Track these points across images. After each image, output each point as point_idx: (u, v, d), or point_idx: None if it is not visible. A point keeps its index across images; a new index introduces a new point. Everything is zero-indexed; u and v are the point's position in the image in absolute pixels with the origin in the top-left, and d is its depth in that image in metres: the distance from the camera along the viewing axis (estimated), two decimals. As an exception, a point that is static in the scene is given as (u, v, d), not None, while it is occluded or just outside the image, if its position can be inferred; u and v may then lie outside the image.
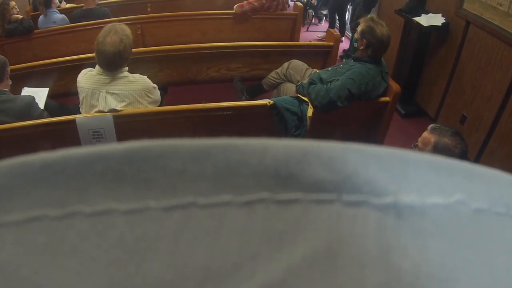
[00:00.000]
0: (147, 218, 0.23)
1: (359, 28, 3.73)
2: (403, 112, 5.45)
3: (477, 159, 4.58)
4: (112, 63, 3.21)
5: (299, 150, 0.26)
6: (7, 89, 3.46)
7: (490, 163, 4.30)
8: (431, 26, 4.88)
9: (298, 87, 3.89)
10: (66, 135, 3.35)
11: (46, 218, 0.23)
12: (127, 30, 3.27)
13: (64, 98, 4.23)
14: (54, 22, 5.66)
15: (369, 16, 3.84)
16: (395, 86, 3.80)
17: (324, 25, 8.77)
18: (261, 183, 0.24)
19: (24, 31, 5.42)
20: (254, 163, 0.25)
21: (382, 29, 3.62)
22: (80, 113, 3.43)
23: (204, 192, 0.24)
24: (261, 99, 4.04)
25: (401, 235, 0.24)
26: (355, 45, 3.86)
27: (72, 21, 5.68)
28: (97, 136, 3.38)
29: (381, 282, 0.22)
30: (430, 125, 2.80)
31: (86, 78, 3.32)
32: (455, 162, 0.28)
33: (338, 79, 3.64)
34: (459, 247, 0.24)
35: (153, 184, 0.24)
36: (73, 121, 3.31)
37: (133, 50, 3.41)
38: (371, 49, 3.65)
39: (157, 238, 0.22)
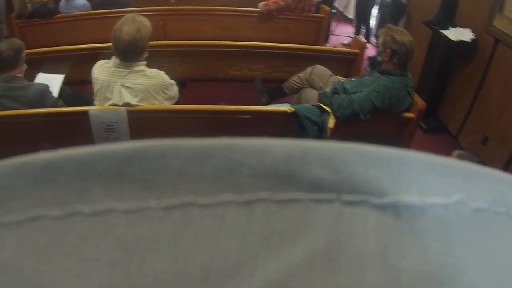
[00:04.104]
0: (147, 218, 0.23)
1: (380, 40, 3.66)
2: (424, 126, 5.34)
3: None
4: (128, 52, 3.15)
5: (299, 150, 0.26)
6: (21, 75, 3.43)
7: None
8: (459, 41, 4.78)
9: (321, 95, 3.82)
10: (79, 126, 3.31)
11: (47, 218, 0.23)
12: (146, 21, 3.22)
13: (81, 86, 4.21)
14: (76, 8, 5.67)
15: (386, 26, 3.75)
16: (420, 103, 3.70)
17: (349, 29, 8.69)
18: (261, 183, 0.25)
19: (48, 13, 5.45)
20: (254, 163, 0.25)
21: (402, 35, 3.55)
22: (94, 104, 3.38)
23: (204, 192, 0.24)
24: (281, 102, 3.99)
25: (401, 235, 0.24)
26: (379, 58, 3.77)
27: (94, 8, 5.69)
28: (109, 130, 3.35)
29: (380, 281, 0.22)
30: (456, 152, 2.74)
31: (102, 69, 3.27)
32: (454, 162, 0.29)
33: (362, 91, 3.55)
34: (458, 247, 0.24)
35: (154, 184, 0.24)
36: (86, 112, 3.26)
37: (154, 42, 3.42)
38: (396, 57, 3.55)
39: (158, 238, 0.23)
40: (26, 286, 0.21)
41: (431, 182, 0.27)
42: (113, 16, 4.85)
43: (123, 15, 3.24)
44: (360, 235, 0.23)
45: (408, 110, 3.72)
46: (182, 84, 3.78)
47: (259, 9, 5.71)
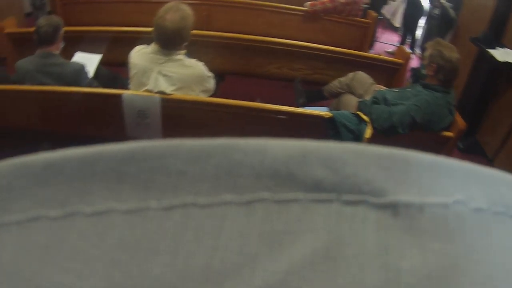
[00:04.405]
0: (147, 218, 0.23)
1: (427, 53, 3.59)
2: (460, 146, 5.25)
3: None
4: (169, 41, 3.14)
5: (299, 150, 0.26)
6: (57, 52, 3.47)
7: None
8: (505, 62, 4.68)
9: (360, 103, 3.76)
10: (111, 108, 3.33)
11: (47, 218, 0.23)
12: (190, 10, 3.21)
13: (117, 67, 4.25)
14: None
15: (435, 39, 3.69)
16: (460, 122, 3.62)
17: (394, 37, 8.61)
18: (261, 183, 0.25)
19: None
20: (255, 163, 0.25)
21: (451, 51, 3.47)
22: (128, 88, 3.39)
23: (204, 192, 0.24)
24: (318, 105, 3.92)
25: (400, 234, 0.24)
26: (423, 71, 3.70)
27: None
28: (142, 115, 3.35)
29: (380, 281, 0.22)
30: None
31: (140, 55, 3.25)
32: (454, 162, 0.29)
33: (403, 104, 3.49)
34: (458, 247, 0.24)
35: (154, 184, 0.24)
36: (120, 96, 3.26)
37: (197, 32, 3.41)
38: (442, 73, 3.47)
39: (158, 238, 0.23)
40: (26, 286, 0.21)
41: (430, 181, 0.27)
42: (157, 1, 4.84)
43: (167, 2, 3.23)
44: (359, 235, 0.24)
45: (447, 128, 3.64)
46: (220, 76, 3.80)
47: (306, 9, 5.68)
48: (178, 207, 0.24)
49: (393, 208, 0.25)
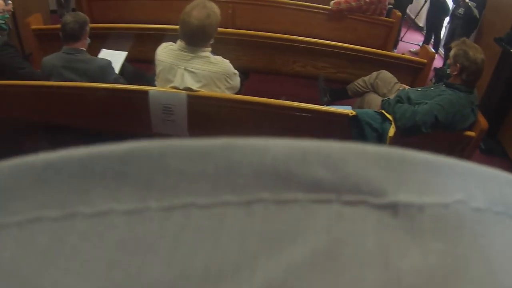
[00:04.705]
0: (147, 219, 0.23)
1: (452, 52, 3.59)
2: (482, 146, 5.22)
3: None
4: (195, 37, 3.17)
5: (299, 149, 0.26)
6: (84, 48, 3.52)
7: None
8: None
9: (384, 102, 3.78)
10: (137, 104, 3.38)
11: (47, 219, 0.23)
12: (216, 8, 3.24)
13: (143, 64, 4.29)
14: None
15: (461, 39, 3.69)
16: (483, 122, 3.64)
17: (418, 37, 8.57)
18: (261, 183, 0.24)
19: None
20: (254, 163, 0.25)
21: (476, 52, 3.48)
22: (154, 85, 3.43)
23: (204, 192, 0.24)
24: (342, 104, 3.92)
25: (400, 235, 0.23)
26: (448, 70, 3.69)
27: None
28: (167, 112, 3.40)
29: (380, 282, 0.22)
30: None
31: (166, 52, 3.29)
32: (454, 161, 0.28)
33: (426, 103, 3.50)
34: (458, 247, 0.24)
35: (154, 185, 0.24)
36: (146, 92, 3.31)
37: (222, 30, 3.45)
38: (466, 73, 3.48)
39: (157, 239, 0.22)
40: (26, 287, 0.21)
41: (430, 181, 0.26)
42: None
43: (192, 0, 3.26)
44: (360, 235, 0.23)
45: (469, 128, 3.66)
46: (245, 74, 3.83)
47: (330, 7, 5.68)
48: (177, 207, 0.23)
49: (393, 208, 0.24)
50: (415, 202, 0.25)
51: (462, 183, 0.27)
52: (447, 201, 0.25)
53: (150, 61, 3.49)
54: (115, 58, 3.88)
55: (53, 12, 6.71)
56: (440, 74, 4.53)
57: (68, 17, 3.49)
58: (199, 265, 0.22)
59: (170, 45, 3.32)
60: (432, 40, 7.88)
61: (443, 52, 7.40)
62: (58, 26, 3.68)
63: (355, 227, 0.23)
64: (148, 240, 0.22)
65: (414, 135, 3.47)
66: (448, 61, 3.68)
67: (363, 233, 0.23)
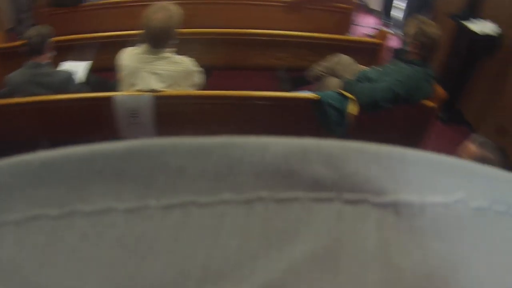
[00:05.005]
0: (146, 217, 0.23)
1: (410, 31, 3.69)
2: (444, 117, 5.32)
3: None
4: (158, 39, 3.22)
5: (299, 148, 0.26)
6: (47, 62, 3.52)
7: None
8: (484, 34, 4.77)
9: (345, 83, 3.86)
10: (104, 111, 3.37)
11: (46, 217, 0.23)
12: (177, 9, 3.29)
13: (107, 73, 4.24)
14: (102, -4, 5.70)
15: (417, 17, 3.81)
16: (441, 92, 3.77)
17: (373, 20, 8.64)
18: (261, 182, 0.25)
19: (72, 1, 5.49)
20: (254, 161, 0.25)
21: (432, 28, 3.59)
22: (119, 90, 3.45)
23: (204, 191, 0.24)
24: (303, 90, 3.99)
25: (401, 233, 0.24)
26: (406, 48, 3.80)
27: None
28: (134, 115, 3.41)
29: (381, 280, 0.22)
30: (476, 138, 2.77)
31: (130, 56, 3.33)
32: (455, 160, 0.28)
33: (385, 80, 3.61)
34: (459, 246, 0.24)
35: (153, 183, 0.24)
36: (111, 98, 3.34)
37: (181, 30, 3.45)
38: (424, 49, 3.60)
39: (157, 237, 0.22)
40: (25, 286, 0.21)
41: (431, 180, 0.26)
42: (138, 5, 4.93)
43: (149, 4, 3.30)
44: (360, 234, 0.23)
45: (428, 99, 3.76)
46: (208, 71, 3.85)
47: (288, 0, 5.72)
48: (177, 205, 0.24)
49: (394, 207, 0.25)
50: (416, 201, 0.25)
51: (463, 182, 0.27)
52: (447, 201, 0.25)
53: (113, 69, 3.52)
54: (78, 69, 3.89)
55: (10, 30, 6.66)
56: (398, 55, 4.62)
57: (31, 31, 3.49)
58: (198, 263, 0.22)
59: (134, 49, 3.35)
60: (387, 21, 7.97)
61: (398, 33, 7.48)
62: (18, 43, 3.67)
63: (356, 226, 0.24)
64: (148, 239, 0.22)
65: (375, 111, 3.58)
66: (407, 40, 3.78)
67: (364, 232, 0.24)
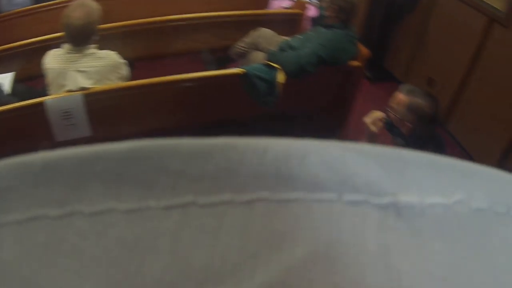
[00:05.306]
0: (147, 218, 0.23)
1: None
2: (371, 76, 5.44)
3: (446, 120, 4.66)
4: (80, 37, 3.20)
5: (299, 149, 0.26)
6: None
7: (460, 123, 4.49)
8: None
9: (269, 55, 3.92)
10: (36, 118, 3.32)
11: (46, 217, 0.23)
12: (95, 4, 3.28)
13: (33, 81, 4.19)
14: (17, 5, 5.55)
15: None
16: (364, 51, 3.86)
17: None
18: (261, 183, 0.24)
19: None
20: (255, 162, 0.25)
21: None
22: (48, 95, 3.39)
23: (204, 192, 0.24)
24: (229, 69, 4.04)
25: (401, 235, 0.24)
26: (324, 13, 3.89)
27: (35, 2, 5.57)
28: (67, 117, 3.35)
29: (381, 282, 0.22)
30: (404, 87, 2.86)
31: (54, 58, 3.29)
32: (455, 161, 0.28)
33: (308, 46, 3.68)
34: (459, 247, 0.24)
35: (153, 184, 0.24)
36: (42, 103, 3.27)
37: (101, 26, 3.43)
38: (343, 13, 3.68)
39: (157, 238, 0.22)
40: (25, 286, 0.21)
41: (431, 181, 0.26)
42: (56, 8, 4.84)
43: (66, 5, 3.28)
44: (361, 235, 0.23)
45: (353, 59, 3.86)
46: (130, 64, 3.80)
47: None
48: (177, 206, 0.23)
49: (394, 208, 0.25)
50: (416, 202, 0.25)
51: (463, 183, 0.27)
52: (447, 202, 0.26)
53: (40, 75, 3.48)
54: (3, 81, 3.82)
55: None
56: (317, 22, 4.70)
57: None
58: (199, 264, 0.22)
59: (57, 51, 3.31)
60: None
61: (315, 2, 7.55)
62: None
63: (356, 227, 0.24)
64: (148, 239, 0.22)
65: (302, 76, 3.66)
66: (324, 5, 3.86)
67: (364, 233, 0.23)
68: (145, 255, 0.22)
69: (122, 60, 3.48)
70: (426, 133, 2.85)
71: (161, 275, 0.21)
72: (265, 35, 4.38)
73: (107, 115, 3.47)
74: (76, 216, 0.23)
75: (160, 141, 0.26)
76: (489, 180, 0.28)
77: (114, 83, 3.41)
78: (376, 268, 0.22)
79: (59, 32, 3.30)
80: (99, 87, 3.34)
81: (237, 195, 0.24)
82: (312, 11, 5.04)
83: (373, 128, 2.96)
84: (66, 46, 3.26)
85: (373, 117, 2.98)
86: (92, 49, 3.29)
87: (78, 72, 3.27)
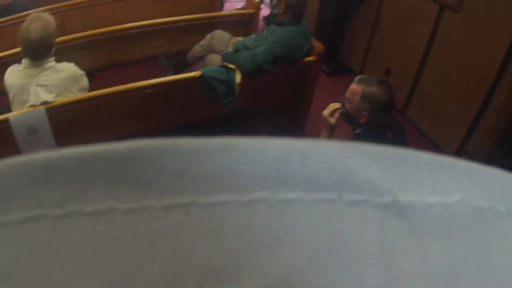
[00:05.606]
0: (147, 218, 0.23)
1: None
2: (328, 70, 5.55)
3: (405, 108, 4.78)
4: (38, 51, 3.20)
5: (300, 149, 0.26)
6: None
7: (417, 110, 4.61)
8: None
9: (224, 56, 4.00)
10: (1, 136, 3.28)
11: (46, 217, 0.23)
12: (50, 17, 3.28)
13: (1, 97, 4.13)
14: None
15: None
16: (318, 46, 3.94)
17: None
18: (261, 183, 0.24)
19: None
20: (255, 162, 0.25)
21: None
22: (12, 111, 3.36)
23: (204, 192, 0.24)
24: (187, 73, 4.08)
25: (402, 234, 0.24)
26: (275, 11, 3.96)
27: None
28: (32, 132, 3.32)
29: (381, 281, 0.22)
30: (357, 77, 2.92)
31: (14, 74, 3.30)
32: (455, 161, 0.28)
33: (262, 45, 3.75)
34: (459, 247, 0.24)
35: (154, 184, 0.24)
36: (6, 120, 3.24)
37: (57, 39, 3.42)
38: (291, 10, 3.76)
39: (157, 238, 0.22)
40: (25, 286, 0.21)
41: (431, 180, 0.26)
42: (12, 23, 4.79)
43: (23, 20, 3.27)
44: (361, 235, 0.23)
45: (308, 55, 3.94)
46: (89, 75, 3.79)
47: None
48: (178, 206, 0.23)
49: (395, 207, 0.24)
50: (416, 201, 0.25)
51: (463, 182, 0.27)
52: (448, 201, 0.25)
53: (2, 93, 3.46)
54: None
55: None
56: (269, 20, 4.76)
57: None
58: (199, 264, 0.22)
59: (16, 67, 3.31)
60: None
61: (267, 1, 7.59)
62: None
63: (357, 227, 0.23)
64: (148, 239, 0.22)
65: (259, 75, 3.72)
66: (273, 3, 3.93)
67: (364, 232, 0.23)
68: (145, 255, 0.22)
69: (81, 72, 3.50)
70: (383, 120, 2.91)
71: (161, 275, 0.21)
72: (219, 37, 4.45)
73: (72, 127, 3.46)
74: (76, 216, 0.23)
75: (160, 141, 0.26)
76: (490, 180, 0.28)
77: (76, 94, 3.42)
78: (377, 268, 0.22)
79: (17, 47, 3.28)
80: (61, 99, 3.36)
81: (237, 195, 0.24)
82: (264, 10, 5.10)
83: (332, 121, 3.01)
84: (25, 61, 3.26)
85: (330, 110, 3.04)
86: (51, 63, 3.31)
87: (39, 86, 3.28)
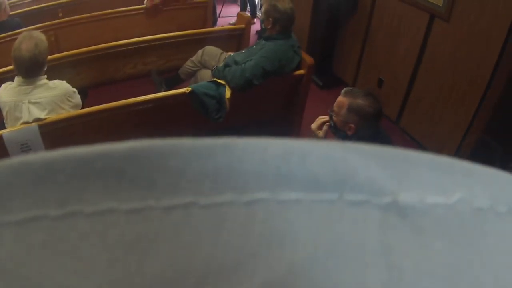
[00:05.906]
0: (147, 218, 0.23)
1: (263, 9, 3.89)
2: (320, 83, 5.57)
3: (398, 117, 4.80)
4: (30, 69, 3.25)
5: (300, 149, 0.26)
6: None
7: (411, 119, 4.61)
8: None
9: (214, 71, 4.02)
10: None
11: (47, 218, 0.23)
12: (42, 36, 3.33)
13: None
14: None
15: None
16: (308, 59, 3.98)
17: (235, 9, 8.75)
18: (262, 183, 0.24)
19: None
20: (255, 162, 0.25)
21: (284, 3, 3.77)
22: (5, 128, 3.44)
23: (204, 192, 0.24)
24: (180, 88, 4.10)
25: (403, 234, 0.24)
26: (263, 25, 4.00)
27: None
28: (26, 149, 3.39)
29: (382, 281, 0.22)
30: (344, 89, 2.94)
31: (7, 91, 3.35)
32: (456, 161, 0.28)
33: (252, 59, 3.78)
34: (460, 247, 0.24)
35: (154, 184, 0.24)
36: (0, 137, 3.29)
37: (49, 57, 3.45)
38: (278, 24, 3.79)
39: (158, 238, 0.22)
40: (25, 286, 0.21)
41: (432, 180, 0.26)
42: (5, 41, 4.80)
43: (15, 38, 3.31)
44: (362, 235, 0.23)
45: (298, 68, 3.98)
46: (83, 92, 3.86)
47: (145, 5, 5.74)
48: (178, 206, 0.23)
49: (395, 208, 0.24)
50: (417, 201, 0.25)
51: (464, 182, 0.27)
52: (449, 201, 0.25)
53: None
54: None
55: None
56: (261, 35, 4.80)
57: None
58: (199, 263, 0.21)
59: (9, 84, 3.36)
60: (248, 7, 8.12)
61: (259, 15, 7.61)
62: None
63: (358, 227, 0.23)
64: (148, 239, 0.22)
65: (249, 89, 3.76)
66: (262, 18, 3.96)
67: (365, 232, 0.23)
68: (145, 255, 0.22)
69: (73, 89, 3.54)
70: (370, 132, 2.92)
71: (161, 274, 0.21)
72: (210, 53, 4.49)
73: (65, 143, 3.11)
74: (76, 216, 0.23)
75: (161, 141, 0.25)
76: (490, 180, 0.28)
77: (68, 111, 3.49)
78: (377, 268, 0.22)
79: (11, 65, 3.30)
80: (54, 116, 3.40)
81: (237, 196, 0.24)
82: (257, 25, 5.12)
83: (320, 134, 3.04)
84: (18, 79, 3.32)
85: (318, 123, 3.06)
86: (43, 80, 3.35)
87: (32, 103, 3.33)
